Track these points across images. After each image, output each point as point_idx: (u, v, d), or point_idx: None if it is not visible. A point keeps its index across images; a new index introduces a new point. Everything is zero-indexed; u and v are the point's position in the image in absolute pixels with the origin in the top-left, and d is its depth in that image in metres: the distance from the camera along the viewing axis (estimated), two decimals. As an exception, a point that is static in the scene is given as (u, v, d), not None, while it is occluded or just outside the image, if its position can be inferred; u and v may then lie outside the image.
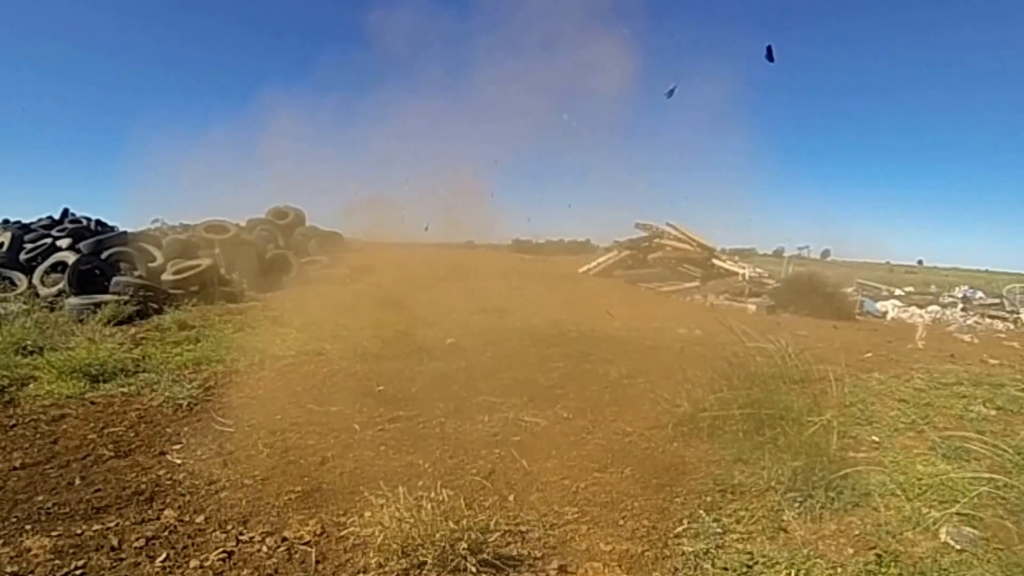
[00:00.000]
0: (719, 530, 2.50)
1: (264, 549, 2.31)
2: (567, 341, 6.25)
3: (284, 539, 2.38)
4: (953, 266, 23.13)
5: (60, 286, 7.47)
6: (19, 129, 30.03)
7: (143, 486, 2.80)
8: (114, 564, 2.17)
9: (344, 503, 2.69)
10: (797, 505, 2.66)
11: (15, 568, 2.12)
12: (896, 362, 5.79)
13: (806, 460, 2.84)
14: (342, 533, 2.40)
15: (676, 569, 2.26)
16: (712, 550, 2.35)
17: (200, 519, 2.52)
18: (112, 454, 3.16)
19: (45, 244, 9.00)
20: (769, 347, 3.77)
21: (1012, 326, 9.44)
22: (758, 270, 11.90)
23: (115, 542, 2.31)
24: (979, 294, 12.22)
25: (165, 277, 8.19)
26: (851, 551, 2.35)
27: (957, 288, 12.90)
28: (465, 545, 2.12)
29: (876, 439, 3.55)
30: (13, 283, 7.85)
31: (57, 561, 2.17)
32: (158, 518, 2.51)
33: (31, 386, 4.15)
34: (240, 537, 2.39)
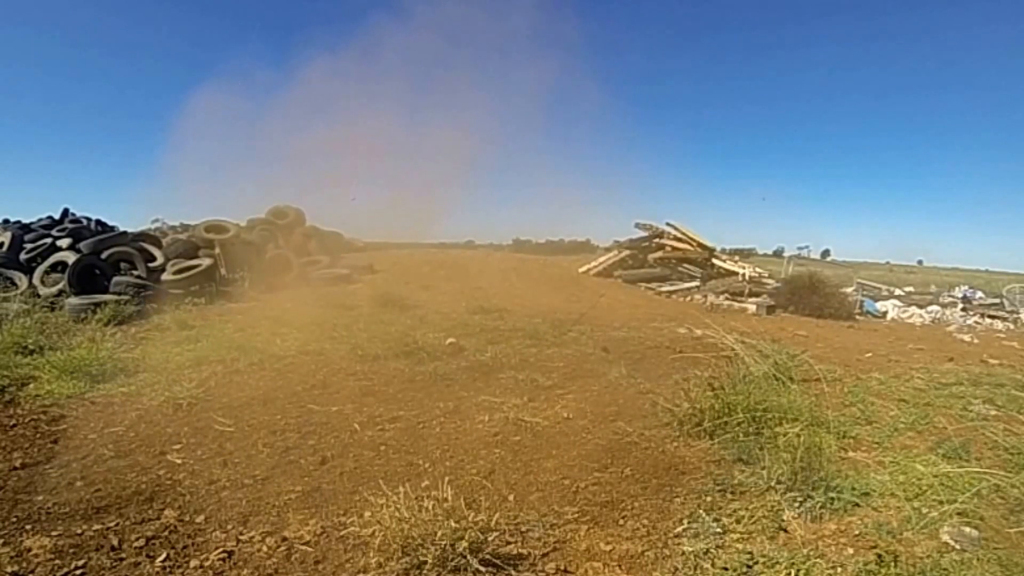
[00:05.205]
0: (719, 530, 2.50)
1: (264, 549, 2.31)
2: (567, 341, 6.26)
3: (284, 539, 2.38)
4: (953, 266, 23.13)
5: (60, 286, 7.47)
6: (19, 129, 30.03)
7: (143, 486, 2.80)
8: (114, 564, 2.17)
9: (344, 503, 2.69)
10: (797, 505, 2.66)
11: (15, 568, 2.12)
12: (896, 362, 5.79)
13: (803, 456, 2.84)
14: (342, 533, 2.40)
15: (676, 569, 2.26)
16: (712, 550, 2.35)
17: (200, 519, 2.52)
18: (112, 454, 3.16)
19: (45, 244, 8.99)
20: (768, 347, 3.77)
21: (1012, 326, 9.45)
22: (758, 270, 11.89)
23: (115, 542, 2.31)
24: (979, 294, 12.23)
25: (165, 277, 8.19)
26: (851, 551, 2.35)
27: (957, 288, 12.90)
28: (465, 544, 2.12)
29: (876, 439, 3.55)
30: (13, 283, 7.84)
31: (57, 561, 2.17)
32: (158, 518, 2.51)
33: (31, 386, 4.14)
34: (240, 537, 2.39)
